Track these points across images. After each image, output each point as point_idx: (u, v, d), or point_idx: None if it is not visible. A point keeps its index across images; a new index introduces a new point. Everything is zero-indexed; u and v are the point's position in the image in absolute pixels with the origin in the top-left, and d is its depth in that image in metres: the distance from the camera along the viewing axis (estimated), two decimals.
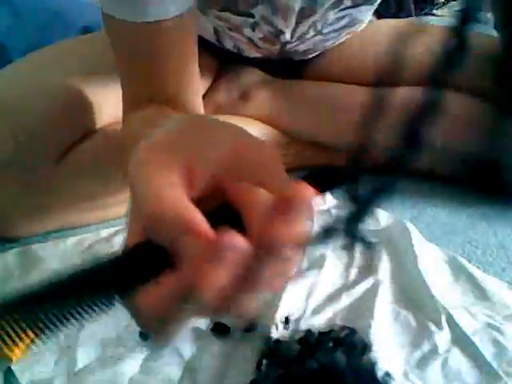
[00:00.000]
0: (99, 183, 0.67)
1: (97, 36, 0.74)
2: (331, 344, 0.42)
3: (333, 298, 0.52)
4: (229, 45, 0.81)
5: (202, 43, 0.88)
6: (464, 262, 0.59)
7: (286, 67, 0.90)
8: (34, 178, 0.63)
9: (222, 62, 0.88)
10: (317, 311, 0.50)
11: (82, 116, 0.66)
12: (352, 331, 0.44)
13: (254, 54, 0.82)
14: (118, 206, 0.71)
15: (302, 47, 0.82)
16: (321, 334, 0.44)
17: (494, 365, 0.44)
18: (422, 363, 0.44)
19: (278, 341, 0.44)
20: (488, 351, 0.45)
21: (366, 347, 0.42)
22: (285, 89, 0.86)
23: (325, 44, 0.84)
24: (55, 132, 0.63)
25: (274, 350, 0.43)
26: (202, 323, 0.49)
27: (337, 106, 0.82)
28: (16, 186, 0.62)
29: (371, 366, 0.40)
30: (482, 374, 0.43)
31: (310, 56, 0.87)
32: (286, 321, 0.48)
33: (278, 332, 0.46)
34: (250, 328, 0.47)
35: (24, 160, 0.61)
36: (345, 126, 0.78)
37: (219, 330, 0.48)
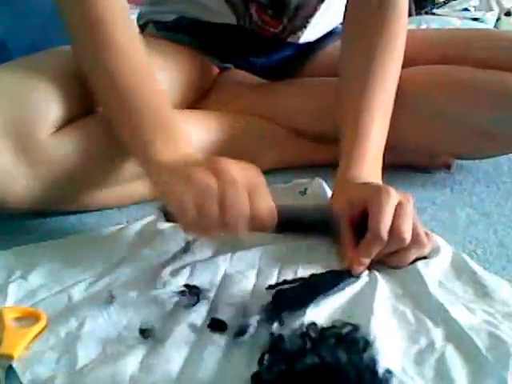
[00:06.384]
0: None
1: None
2: (333, 340, 0.42)
3: (333, 293, 0.52)
4: None
5: (203, 43, 0.89)
6: (466, 258, 0.59)
7: (283, 69, 0.95)
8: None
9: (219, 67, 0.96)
10: (318, 306, 0.50)
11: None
12: (354, 327, 0.44)
13: None
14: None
15: None
16: (323, 329, 0.44)
17: (492, 361, 0.44)
18: (420, 358, 0.44)
19: (280, 336, 0.44)
20: (486, 347, 0.45)
21: (367, 343, 0.42)
22: (271, 86, 0.95)
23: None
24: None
25: (275, 345, 0.42)
26: (200, 320, 0.49)
27: (318, 92, 0.88)
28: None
29: (372, 363, 0.40)
30: (478, 370, 0.43)
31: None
32: (288, 316, 0.48)
33: (280, 327, 0.46)
34: (243, 329, 0.47)
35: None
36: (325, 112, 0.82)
37: (216, 327, 0.48)
